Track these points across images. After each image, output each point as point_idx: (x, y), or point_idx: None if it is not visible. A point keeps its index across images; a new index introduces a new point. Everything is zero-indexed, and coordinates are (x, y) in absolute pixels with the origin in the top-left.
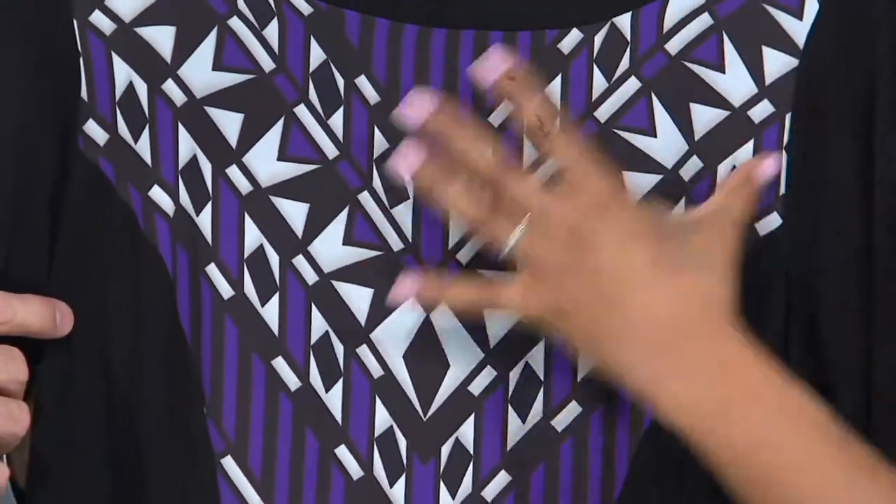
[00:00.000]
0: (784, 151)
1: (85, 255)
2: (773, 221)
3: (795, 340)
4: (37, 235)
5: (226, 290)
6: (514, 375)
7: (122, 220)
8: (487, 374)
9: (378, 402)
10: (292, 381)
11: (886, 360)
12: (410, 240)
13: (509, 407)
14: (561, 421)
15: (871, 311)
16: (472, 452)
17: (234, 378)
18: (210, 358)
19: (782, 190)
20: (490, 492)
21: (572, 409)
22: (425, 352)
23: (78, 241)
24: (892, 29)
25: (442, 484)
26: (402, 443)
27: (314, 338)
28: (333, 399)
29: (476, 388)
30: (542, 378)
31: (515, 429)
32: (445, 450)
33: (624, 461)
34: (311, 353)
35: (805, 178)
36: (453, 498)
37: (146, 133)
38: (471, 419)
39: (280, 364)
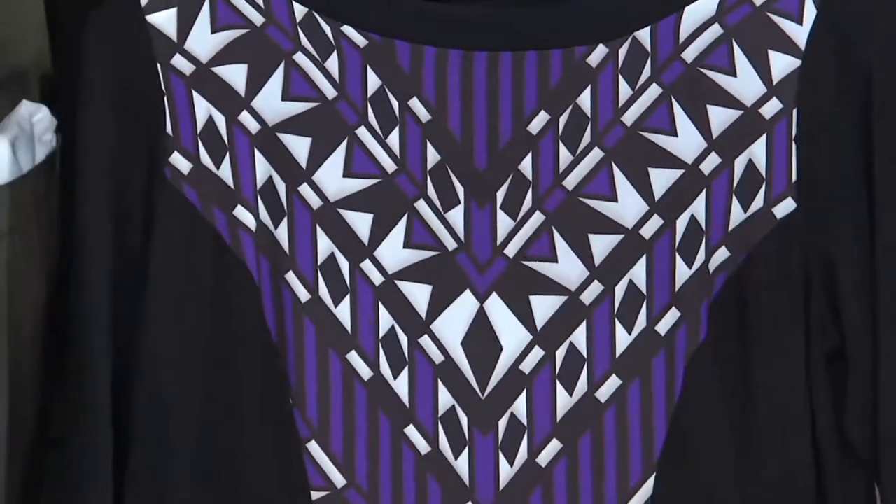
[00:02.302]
0: (794, 143)
1: (174, 274)
2: (788, 206)
3: (815, 310)
4: (130, 260)
5: (303, 294)
6: (560, 354)
7: (208, 239)
8: (536, 354)
9: (441, 385)
10: (365, 372)
11: (890, 326)
12: (463, 240)
13: (557, 382)
14: (604, 393)
15: (878, 280)
16: (525, 424)
17: (315, 371)
18: (293, 354)
19: (794, 177)
20: (543, 458)
21: (613, 382)
22: (480, 338)
23: (167, 261)
24: (882, 28)
25: (500, 454)
26: (464, 419)
27: (382, 332)
28: (401, 385)
29: (526, 367)
30: (584, 355)
31: (564, 401)
32: (502, 423)
33: (662, 426)
34: (381, 346)
35: (814, 165)
36: (511, 465)
37: (227, 160)
38: (523, 395)
39: (354, 357)
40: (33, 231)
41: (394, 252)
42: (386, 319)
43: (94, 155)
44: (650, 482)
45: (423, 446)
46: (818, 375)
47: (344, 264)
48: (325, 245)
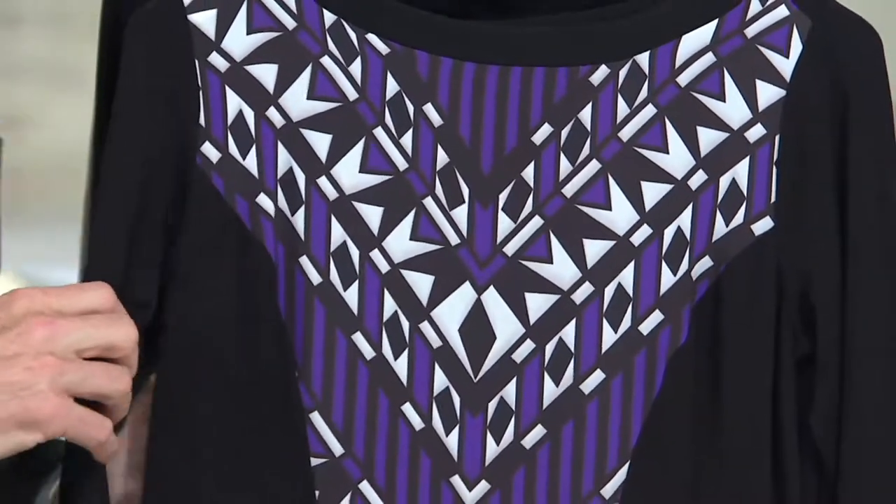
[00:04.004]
0: (775, 166)
1: (199, 254)
2: (766, 224)
3: (787, 319)
4: (152, 243)
5: (315, 278)
6: (549, 347)
7: (230, 223)
8: (527, 346)
9: (437, 367)
10: (368, 352)
11: (861, 331)
12: (465, 236)
13: (545, 373)
14: (588, 385)
15: (849, 294)
16: (513, 409)
17: (322, 348)
18: (302, 332)
19: (773, 198)
20: (528, 441)
21: (597, 376)
22: (476, 326)
23: (195, 242)
24: (861, 65)
25: (488, 434)
26: (457, 400)
27: (386, 316)
28: (401, 366)
29: (518, 356)
30: (572, 350)
31: (550, 391)
32: (492, 406)
33: (639, 418)
34: (384, 329)
35: (792, 188)
36: (497, 445)
37: (253, 151)
38: (513, 382)
39: (358, 338)
40: None
41: (401, 243)
42: (390, 305)
43: (129, 140)
44: (625, 468)
45: (417, 423)
46: (787, 379)
47: (354, 252)
48: (338, 234)
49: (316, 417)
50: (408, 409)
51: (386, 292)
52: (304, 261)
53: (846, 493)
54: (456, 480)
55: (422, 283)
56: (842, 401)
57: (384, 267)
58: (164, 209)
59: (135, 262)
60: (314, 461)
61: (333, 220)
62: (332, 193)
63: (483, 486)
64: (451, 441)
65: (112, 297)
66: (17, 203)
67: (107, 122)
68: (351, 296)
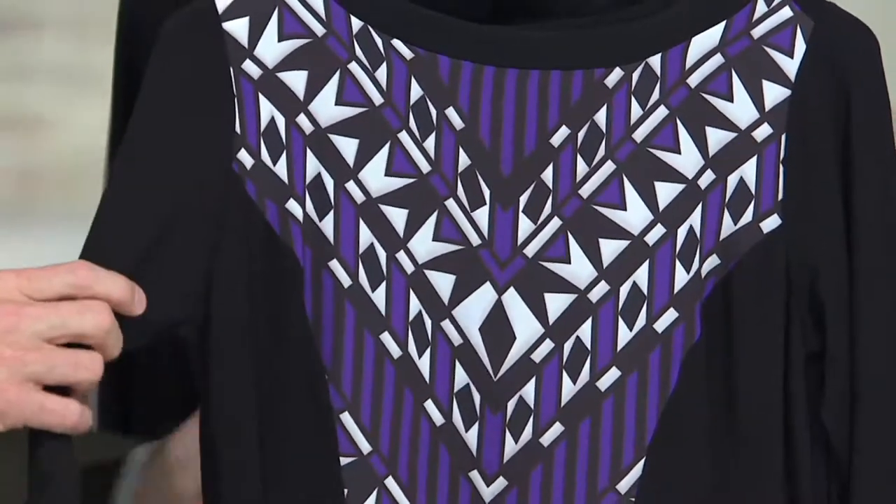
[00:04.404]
0: (782, 165)
1: (234, 261)
2: (774, 221)
3: (796, 315)
4: (177, 253)
5: (346, 280)
6: (567, 346)
7: (260, 229)
8: (546, 346)
9: (458, 364)
10: (395, 351)
11: (869, 324)
12: (486, 237)
13: (563, 371)
14: (604, 383)
15: (855, 289)
16: (532, 407)
17: (351, 349)
18: (332, 334)
19: (780, 196)
20: (546, 439)
21: (613, 374)
22: (497, 326)
23: (230, 248)
24: (861, 64)
25: (507, 431)
26: (477, 397)
27: (411, 315)
28: (424, 363)
29: (537, 356)
30: (589, 348)
31: (568, 389)
32: (511, 404)
33: (655, 415)
34: (410, 328)
35: (799, 186)
36: (516, 442)
37: (283, 157)
38: (532, 381)
39: (386, 337)
40: None
41: (424, 244)
42: (415, 304)
43: (157, 147)
44: (640, 464)
45: (438, 418)
46: (798, 374)
47: (382, 254)
48: (366, 236)
49: (346, 418)
50: (429, 405)
51: (411, 292)
52: (334, 264)
53: (859, 487)
54: (475, 475)
55: (443, 283)
56: (853, 395)
57: (409, 268)
58: (195, 216)
59: (155, 270)
60: (343, 460)
61: (361, 223)
62: (359, 197)
63: (500, 483)
64: (471, 437)
65: (88, 275)
66: (34, 204)
67: (124, 124)
68: (379, 297)
